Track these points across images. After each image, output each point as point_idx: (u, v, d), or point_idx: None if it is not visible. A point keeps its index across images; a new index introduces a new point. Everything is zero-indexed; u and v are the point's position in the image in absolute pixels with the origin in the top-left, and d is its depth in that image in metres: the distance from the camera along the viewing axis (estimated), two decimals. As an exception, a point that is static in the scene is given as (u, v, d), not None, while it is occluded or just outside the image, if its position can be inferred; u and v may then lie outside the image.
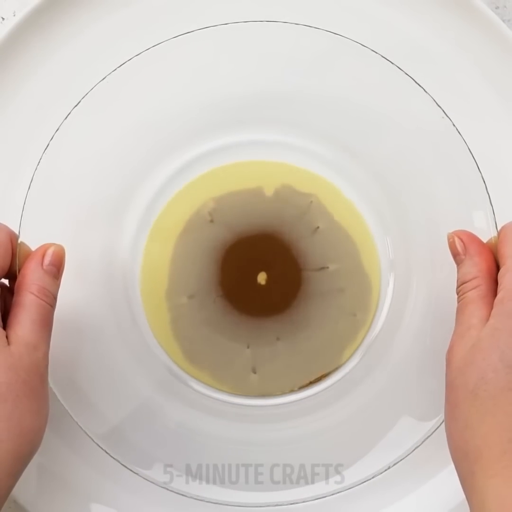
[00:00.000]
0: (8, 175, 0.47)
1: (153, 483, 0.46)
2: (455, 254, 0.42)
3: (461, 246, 0.41)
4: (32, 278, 0.41)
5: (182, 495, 0.46)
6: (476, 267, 0.40)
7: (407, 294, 0.48)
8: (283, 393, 0.48)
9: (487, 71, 0.47)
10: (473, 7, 0.46)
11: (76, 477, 0.48)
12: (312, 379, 0.48)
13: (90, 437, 0.45)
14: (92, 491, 0.48)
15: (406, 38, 0.47)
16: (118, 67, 0.44)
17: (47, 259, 0.41)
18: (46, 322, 0.40)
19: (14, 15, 0.49)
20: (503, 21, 0.46)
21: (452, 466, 0.40)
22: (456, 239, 0.42)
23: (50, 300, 0.41)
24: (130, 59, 0.44)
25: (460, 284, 0.41)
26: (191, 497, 0.46)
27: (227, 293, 0.48)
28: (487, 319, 0.39)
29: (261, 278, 0.48)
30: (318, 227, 0.47)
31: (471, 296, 0.40)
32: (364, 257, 0.48)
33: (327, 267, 0.47)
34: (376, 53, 0.44)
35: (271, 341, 0.48)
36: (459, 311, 0.41)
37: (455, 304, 0.42)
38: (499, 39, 0.46)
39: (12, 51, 0.46)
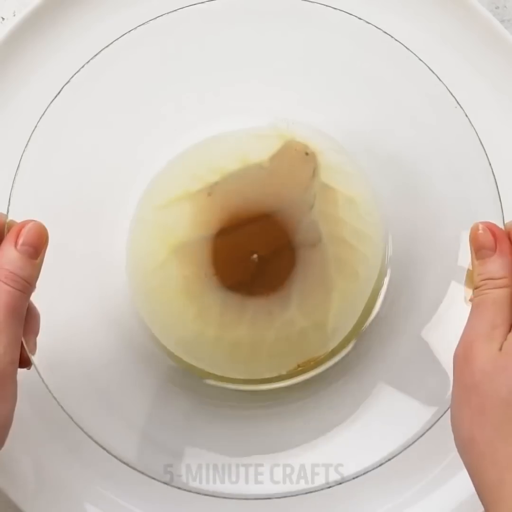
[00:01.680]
0: (7, 175, 0.47)
1: (153, 479, 0.45)
2: (480, 247, 0.39)
3: (490, 240, 0.39)
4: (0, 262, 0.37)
5: (182, 489, 0.45)
6: (506, 267, 0.38)
7: (407, 282, 0.47)
8: (271, 375, 0.47)
9: (481, 68, 0.47)
10: (468, 6, 0.46)
11: (74, 477, 0.48)
12: (300, 362, 0.47)
13: (89, 437, 0.45)
14: (91, 491, 0.48)
15: (399, 38, 0.47)
16: (106, 46, 0.43)
17: (21, 239, 0.37)
18: (12, 310, 0.36)
19: (14, 15, 0.50)
20: (503, 21, 0.46)
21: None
22: (485, 232, 0.39)
23: (19, 286, 0.37)
24: (123, 34, 0.43)
25: (484, 278, 0.39)
26: (190, 491, 0.45)
27: (219, 271, 0.45)
28: (509, 322, 0.38)
29: (254, 256, 0.45)
30: (313, 205, 0.45)
31: (497, 295, 0.38)
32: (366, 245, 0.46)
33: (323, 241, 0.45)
34: (390, 36, 0.43)
35: (264, 320, 0.46)
36: (481, 306, 0.39)
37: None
38: (496, 38, 0.46)
39: (12, 51, 0.47)
